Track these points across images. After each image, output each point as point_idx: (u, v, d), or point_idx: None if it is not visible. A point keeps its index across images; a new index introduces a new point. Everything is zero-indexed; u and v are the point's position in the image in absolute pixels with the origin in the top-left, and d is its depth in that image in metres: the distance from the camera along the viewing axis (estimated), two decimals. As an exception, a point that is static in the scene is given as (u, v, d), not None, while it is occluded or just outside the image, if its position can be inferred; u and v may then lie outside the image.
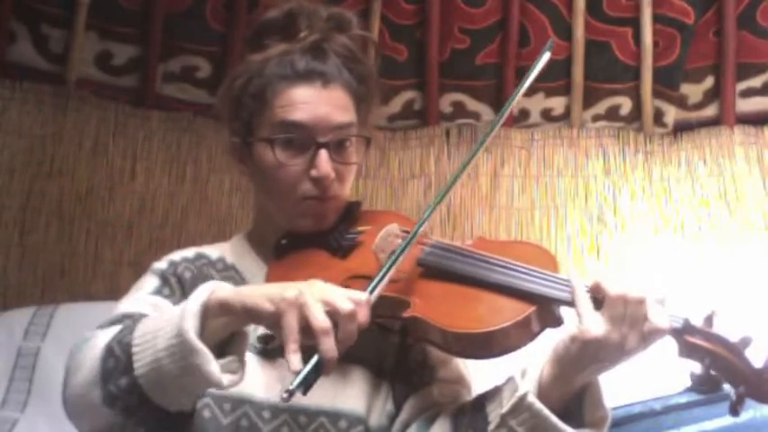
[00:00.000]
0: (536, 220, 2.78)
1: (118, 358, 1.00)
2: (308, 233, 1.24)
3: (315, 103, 1.21)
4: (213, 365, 0.95)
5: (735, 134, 2.77)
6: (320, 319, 0.93)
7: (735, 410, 1.01)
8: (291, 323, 0.93)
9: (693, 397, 1.72)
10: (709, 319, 1.04)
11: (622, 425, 1.72)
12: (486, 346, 1.06)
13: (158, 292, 1.20)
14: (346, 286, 1.10)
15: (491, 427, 1.07)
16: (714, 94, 2.82)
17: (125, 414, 1.00)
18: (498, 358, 1.08)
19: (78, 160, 2.71)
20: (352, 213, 1.28)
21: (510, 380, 1.09)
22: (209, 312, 0.98)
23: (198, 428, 1.12)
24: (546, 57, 1.28)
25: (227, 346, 1.01)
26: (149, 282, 1.23)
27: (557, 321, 1.09)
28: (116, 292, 2.49)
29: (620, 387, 1.77)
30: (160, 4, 2.77)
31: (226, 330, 1.00)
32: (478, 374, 1.27)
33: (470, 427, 1.11)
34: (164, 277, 1.23)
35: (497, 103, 2.88)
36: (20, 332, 2.29)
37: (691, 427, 1.70)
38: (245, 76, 1.25)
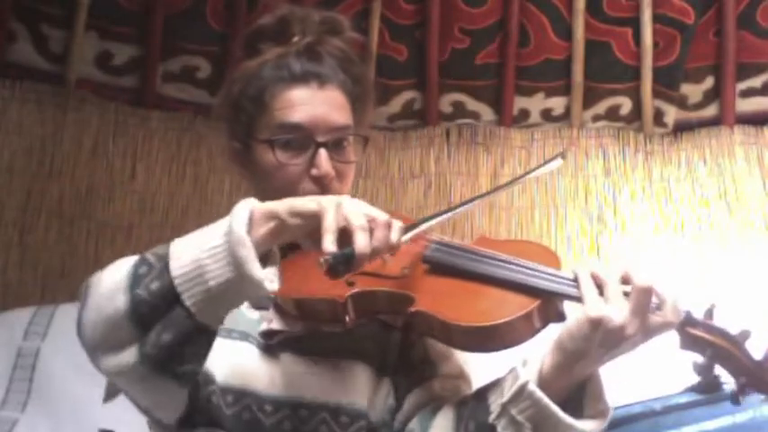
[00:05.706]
0: (536, 220, 2.78)
1: (151, 265, 1.04)
2: None
3: (312, 103, 1.23)
4: (257, 264, 1.00)
5: (735, 134, 2.77)
6: (359, 219, 1.01)
7: (736, 400, 1.03)
8: (332, 220, 1.01)
9: (693, 397, 1.71)
10: (709, 312, 1.06)
11: (622, 425, 1.72)
12: (491, 339, 1.07)
13: None
14: (351, 282, 1.13)
15: (492, 416, 1.08)
16: (714, 94, 2.82)
17: (145, 323, 1.02)
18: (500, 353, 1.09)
19: (78, 160, 2.71)
20: None
21: (512, 370, 1.10)
22: (254, 220, 1.03)
23: (205, 412, 1.14)
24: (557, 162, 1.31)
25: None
26: None
27: (560, 316, 1.10)
28: (116, 292, 2.51)
29: (620, 387, 1.77)
30: (160, 4, 2.77)
31: (265, 244, 1.04)
32: (480, 369, 1.28)
33: (472, 418, 1.11)
34: None
35: (497, 103, 2.88)
36: (20, 332, 2.28)
37: (691, 427, 1.70)
38: (242, 81, 1.28)
